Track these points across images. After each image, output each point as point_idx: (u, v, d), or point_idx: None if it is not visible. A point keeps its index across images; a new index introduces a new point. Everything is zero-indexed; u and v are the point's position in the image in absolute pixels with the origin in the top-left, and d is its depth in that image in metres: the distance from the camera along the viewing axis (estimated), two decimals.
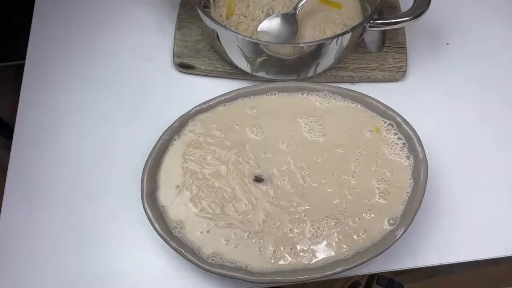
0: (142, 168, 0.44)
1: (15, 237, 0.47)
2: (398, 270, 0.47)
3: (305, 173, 0.45)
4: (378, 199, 0.43)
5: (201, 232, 0.42)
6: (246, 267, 0.41)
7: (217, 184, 0.45)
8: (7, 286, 0.45)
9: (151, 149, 0.45)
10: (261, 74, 0.53)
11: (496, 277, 0.87)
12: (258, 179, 0.45)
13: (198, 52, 0.56)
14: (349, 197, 0.44)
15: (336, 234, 0.42)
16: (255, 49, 0.48)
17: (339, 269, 0.40)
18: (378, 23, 0.49)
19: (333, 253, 0.41)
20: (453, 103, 0.55)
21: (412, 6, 0.49)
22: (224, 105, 0.48)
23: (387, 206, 0.43)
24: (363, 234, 0.42)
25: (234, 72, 0.55)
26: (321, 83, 0.50)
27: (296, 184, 0.44)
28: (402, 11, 0.52)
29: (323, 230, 0.42)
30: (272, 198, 0.44)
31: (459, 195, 0.49)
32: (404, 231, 0.41)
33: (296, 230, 0.42)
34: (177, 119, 0.47)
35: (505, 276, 0.86)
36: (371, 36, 0.59)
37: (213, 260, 0.41)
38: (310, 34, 0.54)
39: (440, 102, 0.55)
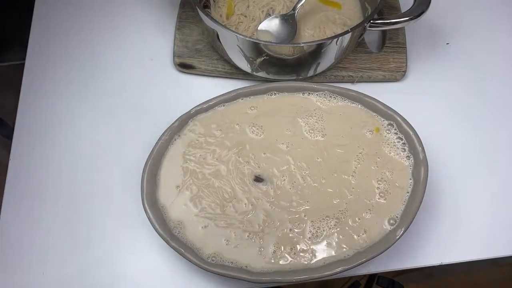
0: (142, 168, 0.44)
1: (15, 237, 0.47)
2: (398, 270, 0.47)
3: (305, 173, 0.45)
4: (378, 199, 0.43)
5: (201, 232, 0.42)
6: (246, 267, 0.41)
7: (217, 184, 0.45)
8: (7, 286, 0.45)
9: (151, 149, 0.45)
10: (261, 74, 0.53)
11: (496, 277, 0.87)
12: (258, 179, 0.45)
13: (198, 52, 0.56)
14: (349, 197, 0.44)
15: (336, 234, 0.42)
16: (255, 49, 0.48)
17: (339, 269, 0.40)
18: (378, 23, 0.49)
19: (333, 253, 0.41)
20: (453, 103, 0.55)
21: (412, 6, 0.49)
22: (224, 105, 0.48)
23: (387, 206, 0.43)
24: (363, 234, 0.42)
25: (234, 72, 0.55)
26: (321, 83, 0.50)
27: (296, 184, 0.44)
28: (402, 11, 0.52)
29: (323, 230, 0.42)
30: (272, 198, 0.44)
31: (459, 195, 0.49)
32: (404, 231, 0.41)
33: (296, 230, 0.42)
34: (177, 119, 0.47)
35: (505, 277, 0.86)
36: (371, 36, 0.59)
37: (213, 260, 0.41)
38: (310, 34, 0.54)
39: (440, 102, 0.55)
